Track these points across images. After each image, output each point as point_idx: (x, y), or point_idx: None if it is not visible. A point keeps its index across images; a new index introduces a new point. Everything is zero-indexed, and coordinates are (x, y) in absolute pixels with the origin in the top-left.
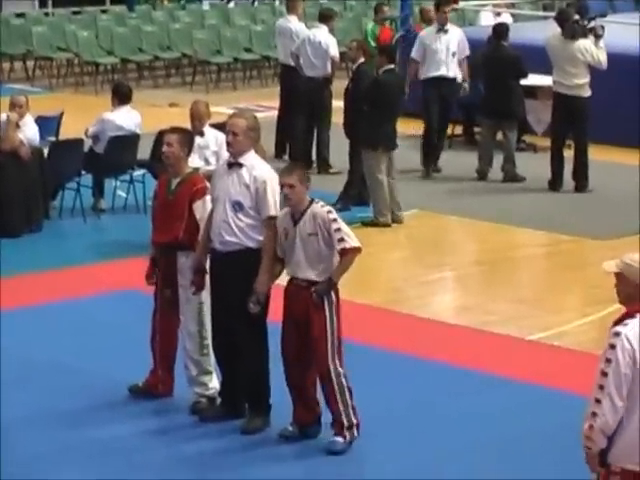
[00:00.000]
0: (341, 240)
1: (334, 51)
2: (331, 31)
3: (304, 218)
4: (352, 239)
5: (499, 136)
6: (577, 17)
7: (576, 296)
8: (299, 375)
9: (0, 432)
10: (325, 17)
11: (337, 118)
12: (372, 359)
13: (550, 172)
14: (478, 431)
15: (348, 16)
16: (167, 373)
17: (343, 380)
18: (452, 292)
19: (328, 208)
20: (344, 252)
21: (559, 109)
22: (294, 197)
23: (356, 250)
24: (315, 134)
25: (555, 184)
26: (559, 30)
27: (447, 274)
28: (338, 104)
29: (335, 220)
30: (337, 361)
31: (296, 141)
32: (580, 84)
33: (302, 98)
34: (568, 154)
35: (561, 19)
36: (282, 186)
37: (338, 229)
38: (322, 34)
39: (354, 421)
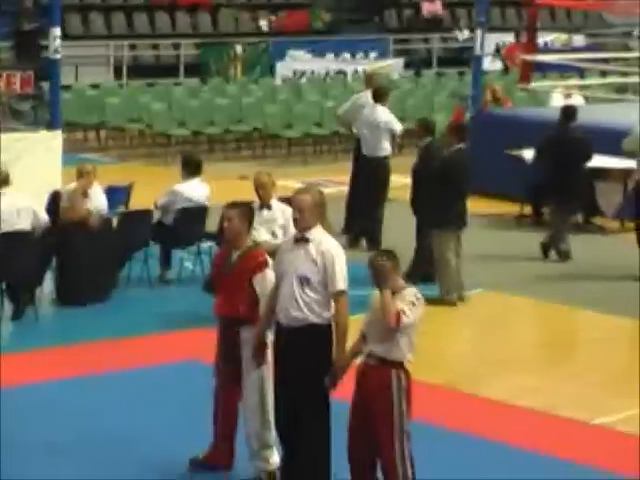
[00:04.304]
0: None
1: (396, 126)
2: (385, 106)
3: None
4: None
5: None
6: None
7: None
8: (362, 455)
9: None
10: (379, 96)
11: (397, 194)
12: (433, 438)
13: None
14: None
15: (419, 94)
16: (228, 446)
17: (407, 465)
18: (516, 373)
19: (415, 297)
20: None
21: None
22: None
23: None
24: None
25: None
26: None
27: (511, 355)
28: (402, 180)
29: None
30: (403, 444)
31: (360, 217)
32: None
33: (363, 174)
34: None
35: None
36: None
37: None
38: (379, 112)
39: None
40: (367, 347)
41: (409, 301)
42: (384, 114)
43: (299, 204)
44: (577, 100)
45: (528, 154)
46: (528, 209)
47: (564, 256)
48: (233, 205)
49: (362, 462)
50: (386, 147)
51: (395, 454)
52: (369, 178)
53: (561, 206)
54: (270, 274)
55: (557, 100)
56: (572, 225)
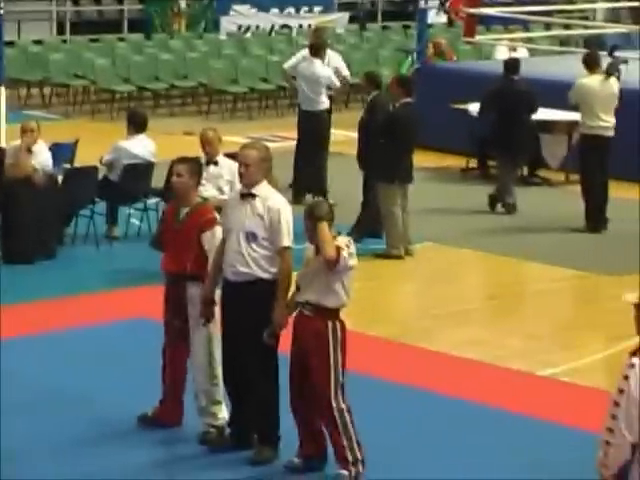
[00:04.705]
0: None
1: (334, 80)
2: (324, 61)
3: None
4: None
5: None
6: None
7: (588, 332)
8: (304, 407)
9: (8, 460)
10: (316, 50)
11: (344, 148)
12: (379, 391)
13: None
14: (483, 466)
15: (365, 48)
16: (176, 403)
17: (346, 415)
18: (462, 326)
19: (346, 241)
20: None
21: (596, 150)
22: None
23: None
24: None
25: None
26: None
27: (458, 307)
28: (349, 135)
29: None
30: (339, 396)
31: (303, 172)
32: (614, 123)
33: (303, 128)
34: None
35: (590, 60)
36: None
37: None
38: (316, 66)
39: (359, 456)
40: (302, 297)
41: (345, 244)
42: (321, 68)
43: (245, 159)
44: (522, 53)
45: (473, 107)
46: (473, 162)
47: (510, 209)
48: (182, 160)
49: (304, 413)
50: (324, 101)
51: (332, 404)
52: (309, 132)
53: (506, 159)
54: (219, 231)
55: (502, 53)
56: (518, 178)
